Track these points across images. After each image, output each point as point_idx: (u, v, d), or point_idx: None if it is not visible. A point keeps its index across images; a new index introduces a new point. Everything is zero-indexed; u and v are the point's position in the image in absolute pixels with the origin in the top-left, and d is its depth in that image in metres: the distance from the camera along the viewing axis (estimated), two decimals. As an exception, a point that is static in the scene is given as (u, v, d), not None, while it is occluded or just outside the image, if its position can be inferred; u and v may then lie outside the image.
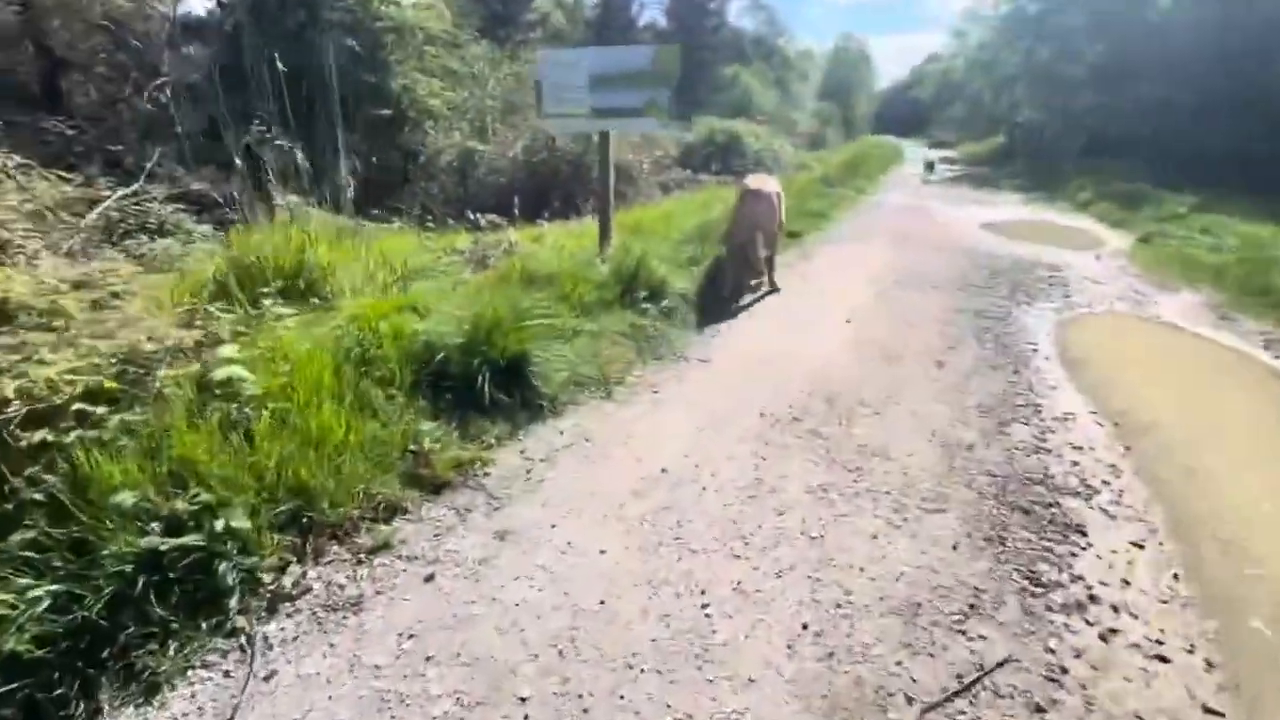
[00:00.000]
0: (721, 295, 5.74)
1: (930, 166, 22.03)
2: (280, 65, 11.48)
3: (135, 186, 8.01)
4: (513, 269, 5.35)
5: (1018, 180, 18.24)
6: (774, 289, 6.12)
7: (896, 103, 61.31)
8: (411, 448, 3.00)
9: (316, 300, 4.44)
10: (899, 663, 2.07)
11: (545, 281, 5.11)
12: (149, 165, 8.92)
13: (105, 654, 1.90)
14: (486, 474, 3.01)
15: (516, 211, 10.24)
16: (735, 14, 39.29)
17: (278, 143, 10.32)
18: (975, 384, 4.20)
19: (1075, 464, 3.33)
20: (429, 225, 10.91)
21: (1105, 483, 3.17)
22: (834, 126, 41.75)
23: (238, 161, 7.55)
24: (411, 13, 12.73)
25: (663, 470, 3.07)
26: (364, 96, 11.85)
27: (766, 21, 40.39)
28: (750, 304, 5.75)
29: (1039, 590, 2.41)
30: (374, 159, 12.19)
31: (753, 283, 6.02)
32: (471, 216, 10.35)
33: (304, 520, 2.52)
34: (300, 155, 10.52)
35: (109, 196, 7.42)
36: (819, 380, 4.11)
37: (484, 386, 3.32)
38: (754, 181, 6.44)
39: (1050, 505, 2.95)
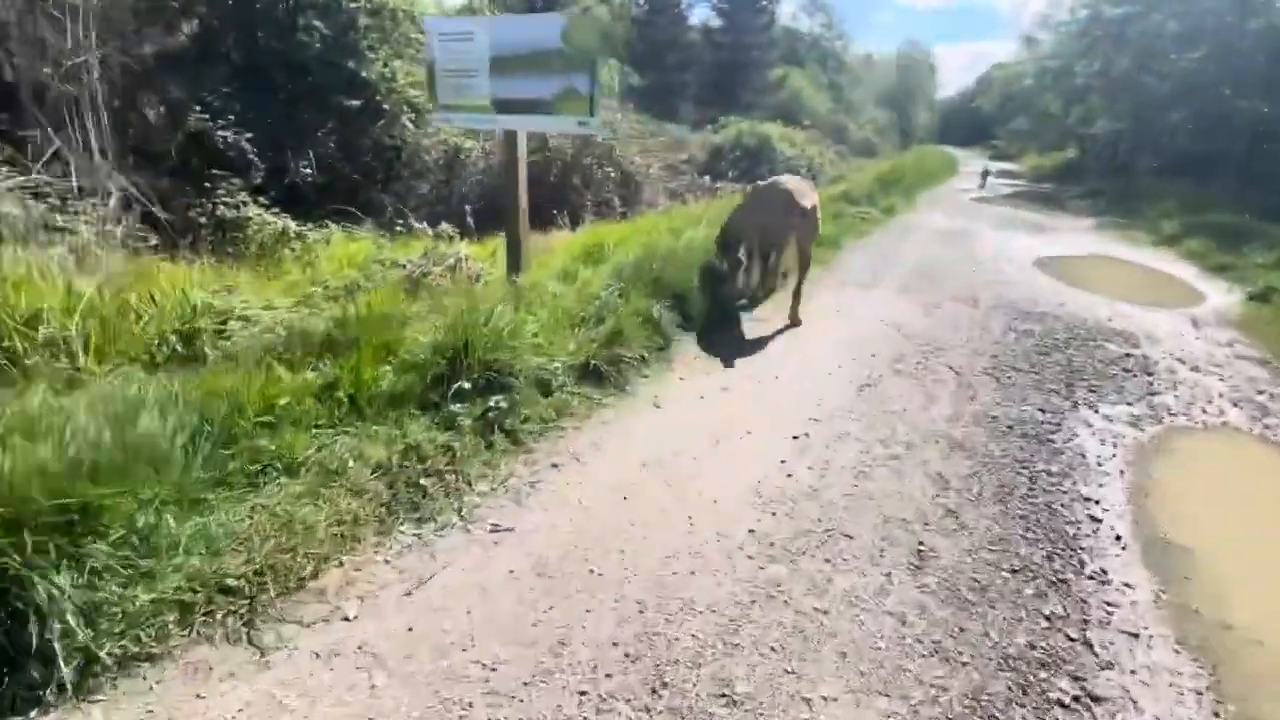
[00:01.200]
0: (624, 390, 3.80)
1: (984, 176, 19.78)
2: (244, 47, 10.04)
3: (16, 181, 6.56)
4: (343, 318, 3.58)
5: (1087, 201, 15.30)
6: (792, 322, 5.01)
7: (960, 112, 56.59)
8: None
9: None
10: None
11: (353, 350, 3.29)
12: (48, 153, 7.49)
13: None
14: None
15: (471, 220, 8.53)
16: (791, 15, 36.40)
17: (220, 133, 8.87)
18: (972, 627, 2.12)
19: None
20: (400, 229, 9.32)
21: None
22: (889, 135, 38.46)
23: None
24: (402, -7, 11.06)
25: None
26: (337, 85, 10.28)
27: (824, 23, 37.48)
28: (659, 395, 3.75)
29: None
30: (348, 154, 10.64)
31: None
32: (416, 224, 8.70)
33: None
34: (248, 146, 9.04)
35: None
36: (668, 601, 2.10)
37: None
38: (762, 186, 5.65)
39: None
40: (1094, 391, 4.14)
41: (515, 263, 5.04)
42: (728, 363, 4.14)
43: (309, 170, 9.72)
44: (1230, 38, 18.08)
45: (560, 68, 4.33)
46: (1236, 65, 17.63)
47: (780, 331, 4.85)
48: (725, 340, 4.56)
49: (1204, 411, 3.98)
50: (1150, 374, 4.47)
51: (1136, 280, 7.37)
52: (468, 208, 8.83)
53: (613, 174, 11.74)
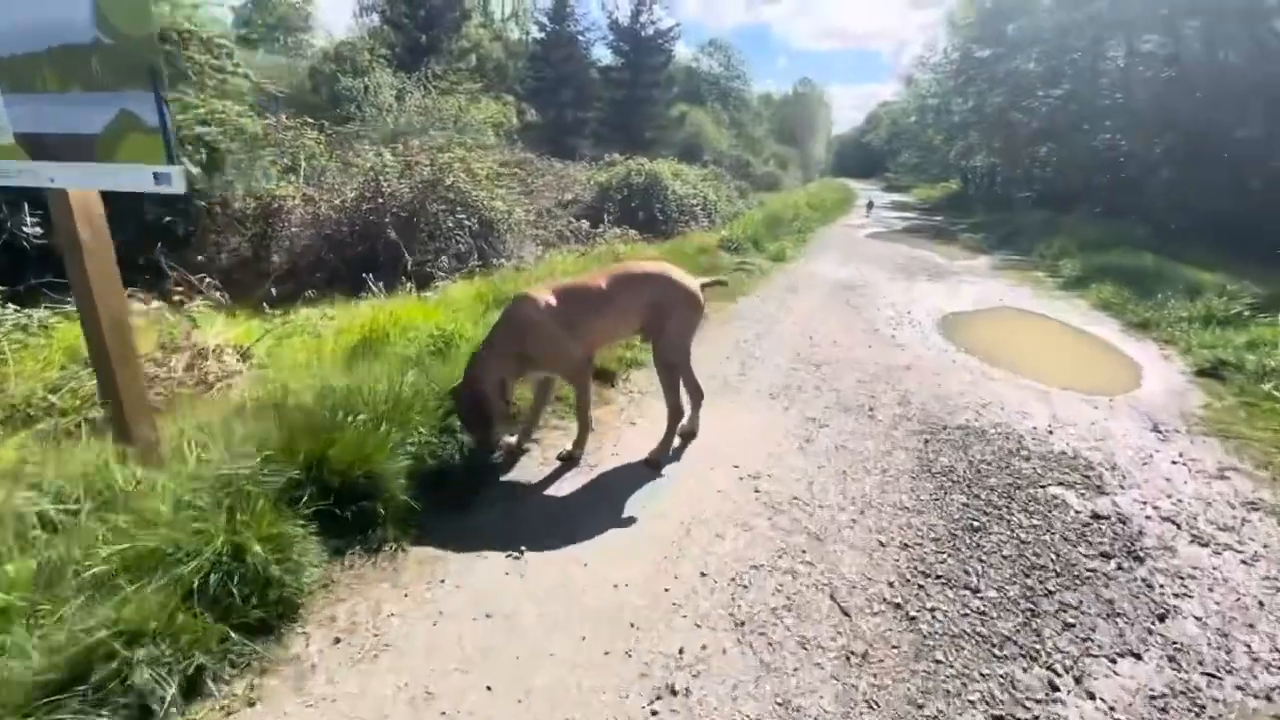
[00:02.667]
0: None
1: (869, 207, 20.11)
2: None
3: None
4: None
5: (979, 236, 14.32)
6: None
7: (854, 147, 57.89)
8: None
9: None
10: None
11: None
12: None
13: None
14: None
15: (223, 296, 6.16)
16: (692, 56, 35.58)
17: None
18: None
19: None
20: (178, 300, 6.77)
21: None
22: (791, 169, 38.11)
23: None
24: (186, 12, 8.57)
25: None
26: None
27: (723, 63, 36.90)
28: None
29: None
30: (116, 206, 8.01)
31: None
32: (203, 293, 6.28)
33: None
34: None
35: None
36: None
37: None
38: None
39: None
40: (1071, 628, 2.25)
41: (118, 418, 2.70)
42: (407, 636, 1.98)
43: (35, 229, 6.99)
44: (1087, 77, 18.15)
45: (106, 77, 2.12)
46: (1094, 102, 17.67)
47: (553, 522, 2.75)
48: (433, 563, 2.40)
49: (1253, 658, 2.16)
50: (1140, 559, 2.65)
51: (1058, 346, 5.80)
52: (276, 260, 6.43)
53: (468, 222, 9.53)
